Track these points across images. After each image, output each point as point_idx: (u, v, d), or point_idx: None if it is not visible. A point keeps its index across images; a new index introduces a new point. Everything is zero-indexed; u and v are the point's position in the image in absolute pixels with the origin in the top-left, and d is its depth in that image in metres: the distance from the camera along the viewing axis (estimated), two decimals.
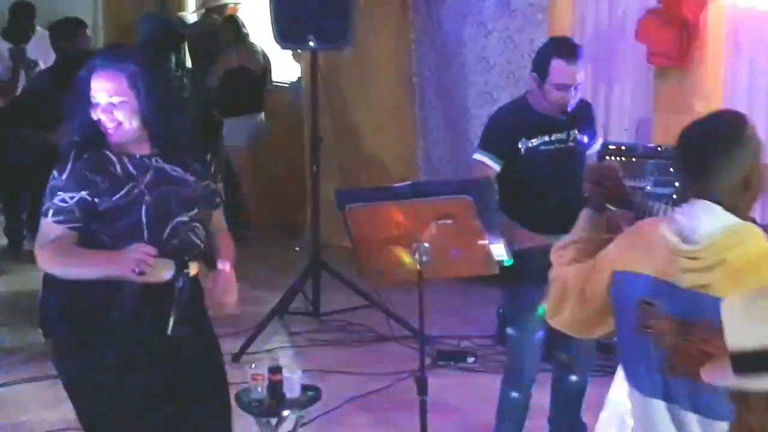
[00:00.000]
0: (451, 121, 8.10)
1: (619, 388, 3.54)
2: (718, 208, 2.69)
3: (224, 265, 3.57)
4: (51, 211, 3.41)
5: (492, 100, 7.29)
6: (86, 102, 3.43)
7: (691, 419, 2.77)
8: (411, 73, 8.40)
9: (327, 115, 7.95)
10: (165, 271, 3.40)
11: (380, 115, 8.72)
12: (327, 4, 6.99)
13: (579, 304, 2.99)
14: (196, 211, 3.52)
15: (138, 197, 3.41)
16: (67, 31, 7.61)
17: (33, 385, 6.01)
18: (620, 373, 3.29)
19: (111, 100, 3.39)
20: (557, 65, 4.58)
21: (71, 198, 3.39)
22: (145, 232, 3.40)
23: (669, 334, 2.72)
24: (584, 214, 3.20)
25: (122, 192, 3.40)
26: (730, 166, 2.73)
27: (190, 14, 10.63)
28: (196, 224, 3.52)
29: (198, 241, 3.54)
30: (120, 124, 3.41)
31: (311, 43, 7.04)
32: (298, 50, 8.29)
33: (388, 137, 8.68)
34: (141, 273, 3.29)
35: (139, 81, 3.42)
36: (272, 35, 7.32)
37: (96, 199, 3.39)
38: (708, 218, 2.69)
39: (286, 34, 7.17)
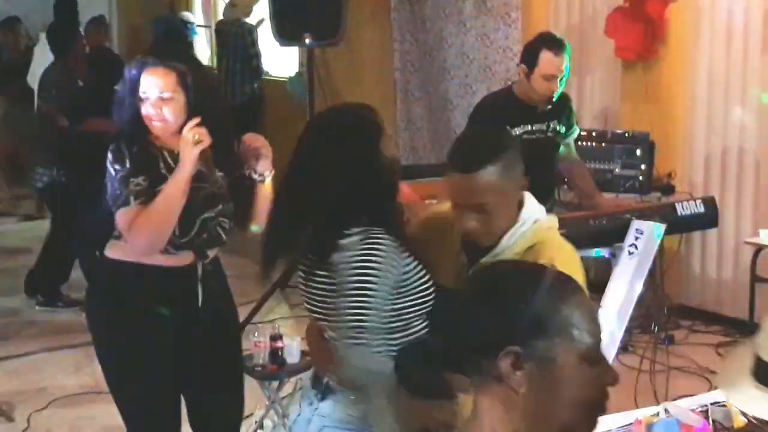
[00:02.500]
0: (434, 112, 8.07)
1: None
2: None
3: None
4: (132, 197, 3.22)
5: (471, 92, 7.28)
6: (134, 97, 3.28)
7: None
8: (394, 68, 8.36)
9: (321, 106, 7.91)
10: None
11: None
12: (320, 5, 6.97)
13: None
14: (220, 207, 3.40)
15: None
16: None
17: (52, 354, 5.99)
18: None
19: (161, 95, 3.25)
20: (546, 57, 4.54)
21: (143, 181, 3.23)
22: (176, 226, 3.27)
23: None
24: None
25: (159, 189, 3.26)
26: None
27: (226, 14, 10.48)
28: (223, 219, 3.42)
29: (224, 235, 3.44)
30: (166, 119, 3.26)
31: (307, 41, 7.02)
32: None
33: None
34: (200, 143, 3.21)
35: (188, 79, 3.29)
36: (271, 33, 7.29)
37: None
38: None
39: (284, 33, 7.15)
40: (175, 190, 3.23)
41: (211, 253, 3.47)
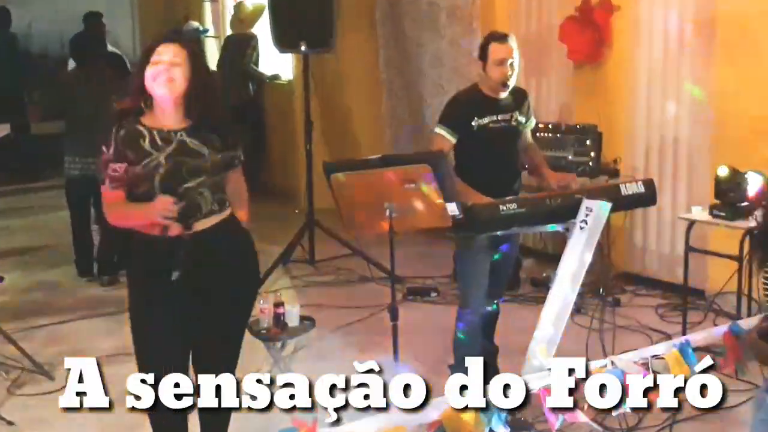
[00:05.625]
0: (412, 108, 8.04)
1: None
2: None
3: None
4: (107, 180, 3.34)
5: (444, 92, 7.23)
6: (145, 63, 3.32)
7: None
8: (379, 71, 8.32)
9: (316, 105, 7.87)
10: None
11: (356, 104, 8.67)
12: (314, 17, 6.92)
13: None
14: (203, 178, 3.35)
15: (155, 168, 3.30)
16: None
17: (87, 321, 5.97)
18: None
19: (173, 59, 3.31)
20: (493, 46, 4.54)
21: (120, 168, 3.31)
22: (158, 195, 3.30)
23: None
24: None
25: (144, 162, 3.30)
26: None
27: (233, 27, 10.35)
28: (204, 189, 3.37)
29: (204, 204, 3.38)
30: (173, 80, 3.31)
31: (303, 48, 6.97)
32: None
33: (363, 122, 8.64)
34: (167, 219, 3.27)
35: (195, 59, 3.37)
36: (272, 41, 7.24)
37: (130, 168, 3.31)
38: None
39: (282, 41, 7.09)
40: (135, 213, 3.36)
41: (196, 226, 3.38)
